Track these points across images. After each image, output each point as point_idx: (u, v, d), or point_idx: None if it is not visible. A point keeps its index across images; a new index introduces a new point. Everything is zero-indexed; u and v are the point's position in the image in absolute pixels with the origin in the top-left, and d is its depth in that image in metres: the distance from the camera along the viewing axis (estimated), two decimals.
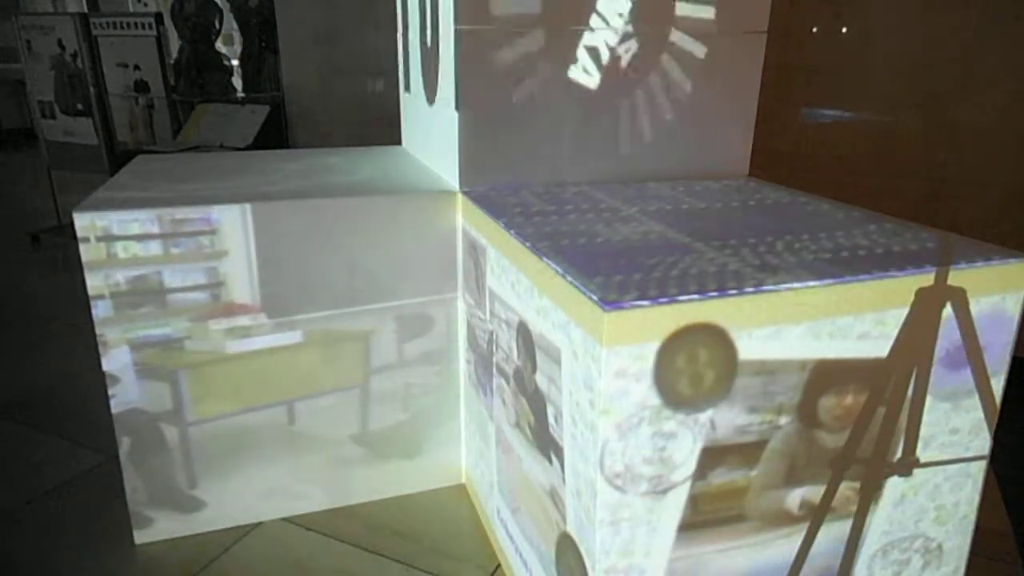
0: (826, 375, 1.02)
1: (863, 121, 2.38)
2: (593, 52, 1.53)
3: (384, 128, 2.38)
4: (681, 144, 1.67)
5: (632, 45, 1.55)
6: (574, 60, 1.53)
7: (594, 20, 1.51)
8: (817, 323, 0.99)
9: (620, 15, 1.52)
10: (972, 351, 1.09)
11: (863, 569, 1.18)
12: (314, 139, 3.55)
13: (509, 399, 1.32)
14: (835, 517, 1.11)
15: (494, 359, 1.38)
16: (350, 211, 1.48)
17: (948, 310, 1.05)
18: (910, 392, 1.08)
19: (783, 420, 1.02)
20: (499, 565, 1.49)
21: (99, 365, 1.40)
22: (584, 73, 1.54)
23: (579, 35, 1.51)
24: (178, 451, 1.51)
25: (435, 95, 1.69)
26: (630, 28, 1.53)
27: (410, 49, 1.92)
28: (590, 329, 0.92)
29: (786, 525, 1.09)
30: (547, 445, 1.13)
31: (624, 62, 1.56)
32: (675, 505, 1.00)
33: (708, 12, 1.58)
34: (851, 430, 1.07)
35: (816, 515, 1.10)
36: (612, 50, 1.54)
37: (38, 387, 2.24)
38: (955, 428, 1.14)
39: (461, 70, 1.47)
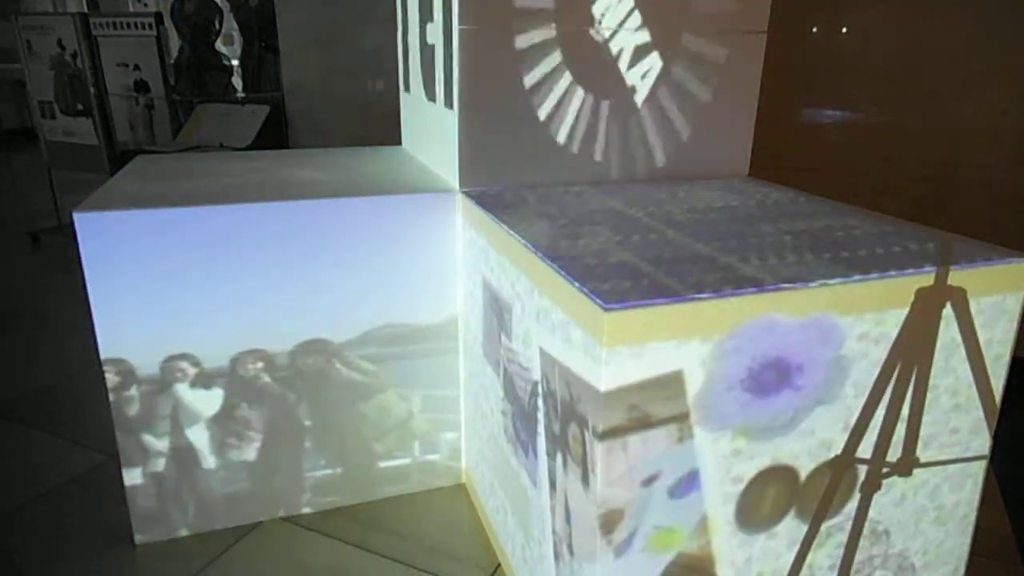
0: None
1: (863, 121, 2.38)
2: (595, 51, 1.53)
3: (384, 128, 2.38)
4: (681, 144, 1.67)
5: (635, 45, 1.55)
6: (576, 59, 1.53)
7: (596, 20, 1.51)
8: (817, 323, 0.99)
9: (625, 15, 1.52)
10: (972, 351, 1.09)
11: (863, 569, 1.18)
12: (314, 139, 3.55)
13: (510, 396, 1.32)
14: (835, 517, 1.12)
15: (495, 356, 1.38)
16: (350, 211, 1.48)
17: (948, 310, 1.06)
18: (910, 392, 1.08)
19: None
20: (499, 565, 1.49)
21: (99, 365, 1.40)
22: (586, 72, 1.54)
23: (582, 34, 1.51)
24: (178, 450, 1.51)
25: (434, 95, 1.69)
26: (634, 27, 1.54)
27: (410, 49, 1.92)
28: (590, 329, 0.92)
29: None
30: (553, 447, 1.13)
31: (627, 61, 1.56)
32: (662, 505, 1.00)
33: (720, 11, 1.58)
34: (851, 430, 1.07)
35: (816, 515, 1.10)
36: (614, 50, 1.54)
37: (38, 387, 2.24)
38: (955, 428, 1.14)
39: (461, 70, 1.47)
